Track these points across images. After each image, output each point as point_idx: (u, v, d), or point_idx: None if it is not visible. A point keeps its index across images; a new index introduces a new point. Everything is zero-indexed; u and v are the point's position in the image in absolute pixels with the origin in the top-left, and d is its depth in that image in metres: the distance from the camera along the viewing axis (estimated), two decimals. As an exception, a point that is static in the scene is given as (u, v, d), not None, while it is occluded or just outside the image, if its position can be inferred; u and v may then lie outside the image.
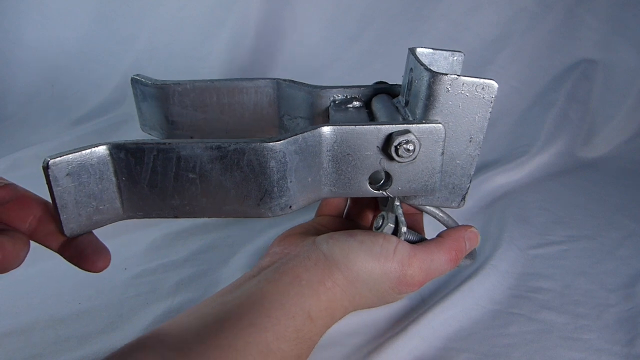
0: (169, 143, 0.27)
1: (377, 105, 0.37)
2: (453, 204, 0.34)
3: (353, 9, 0.88)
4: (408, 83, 0.34)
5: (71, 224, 0.27)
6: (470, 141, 0.31)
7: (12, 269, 0.25)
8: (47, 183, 0.26)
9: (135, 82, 0.39)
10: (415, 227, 0.40)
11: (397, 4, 0.88)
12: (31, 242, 0.28)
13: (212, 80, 0.37)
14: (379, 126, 0.29)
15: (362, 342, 0.38)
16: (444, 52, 0.36)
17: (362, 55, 0.88)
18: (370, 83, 0.40)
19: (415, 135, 0.29)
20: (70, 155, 0.26)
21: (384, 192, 0.31)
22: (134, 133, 0.84)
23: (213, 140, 0.27)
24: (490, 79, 0.29)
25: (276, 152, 0.27)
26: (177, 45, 0.89)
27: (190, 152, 0.27)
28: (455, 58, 0.36)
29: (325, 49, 0.89)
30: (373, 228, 0.34)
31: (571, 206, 0.62)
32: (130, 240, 0.53)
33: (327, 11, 0.88)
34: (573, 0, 0.86)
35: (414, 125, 0.29)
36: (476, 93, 0.29)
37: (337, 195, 0.31)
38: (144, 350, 0.27)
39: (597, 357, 0.38)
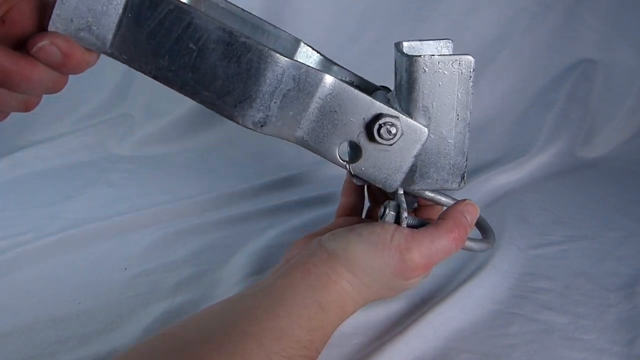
0: (189, 6, 0.27)
1: (375, 98, 0.38)
2: (453, 185, 0.34)
3: (353, 8, 0.88)
4: (394, 77, 0.35)
5: (58, 23, 0.27)
6: (457, 119, 0.31)
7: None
8: None
9: None
10: (432, 217, 0.40)
11: (397, 4, 0.88)
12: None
13: (243, 10, 0.37)
14: (373, 101, 0.30)
15: (363, 342, 0.38)
16: (431, 42, 0.36)
17: (362, 55, 0.88)
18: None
19: (401, 124, 0.30)
20: None
21: (347, 165, 0.32)
22: (134, 133, 0.84)
23: (229, 26, 0.27)
24: (466, 54, 0.30)
25: (278, 65, 0.27)
26: (177, 45, 0.89)
27: (202, 24, 0.27)
28: (443, 45, 0.36)
29: (326, 49, 0.89)
30: (378, 218, 0.35)
31: (571, 206, 0.62)
32: (130, 240, 0.53)
33: (327, 11, 0.88)
34: (573, 0, 0.86)
35: (403, 117, 0.30)
36: (453, 69, 0.30)
37: (305, 146, 0.31)
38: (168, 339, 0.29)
39: (597, 357, 0.38)
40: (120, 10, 0.27)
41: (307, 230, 0.42)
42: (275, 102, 0.29)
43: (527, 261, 0.50)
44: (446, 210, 0.36)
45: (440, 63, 0.30)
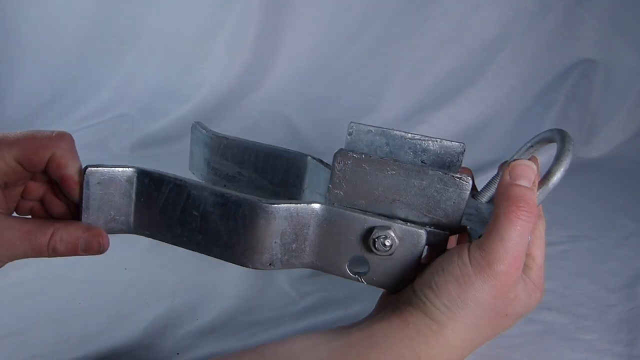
0: (184, 181, 0.31)
1: None
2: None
3: (353, 9, 0.88)
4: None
5: (89, 222, 0.32)
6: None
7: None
8: (79, 186, 0.30)
9: (194, 128, 0.45)
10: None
11: (397, 4, 0.88)
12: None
13: (254, 142, 0.42)
14: (366, 216, 0.31)
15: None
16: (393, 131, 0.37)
17: (362, 55, 0.88)
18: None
19: (394, 232, 0.30)
20: (105, 168, 0.30)
21: (360, 279, 0.32)
22: (134, 133, 0.84)
23: (220, 188, 0.31)
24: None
25: (268, 213, 0.30)
26: (177, 45, 0.89)
27: (199, 193, 0.30)
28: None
29: (325, 49, 0.89)
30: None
31: (571, 206, 0.62)
32: (131, 241, 0.53)
33: (327, 11, 0.88)
34: (573, 0, 0.86)
35: (396, 224, 0.31)
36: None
37: (317, 268, 0.33)
38: None
39: (598, 357, 0.38)
40: (134, 196, 0.32)
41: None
42: (276, 242, 0.31)
43: (527, 261, 0.50)
44: (496, 191, 0.31)
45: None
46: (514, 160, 0.31)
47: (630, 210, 0.61)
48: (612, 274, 0.49)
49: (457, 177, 0.30)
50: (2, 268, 0.47)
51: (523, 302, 0.31)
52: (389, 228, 0.31)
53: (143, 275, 0.47)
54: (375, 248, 0.31)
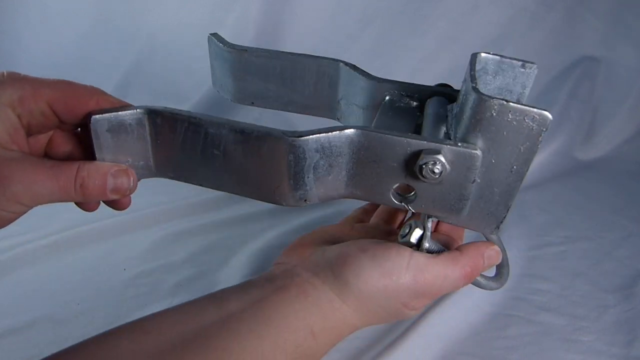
0: (199, 118, 0.28)
1: (428, 110, 0.34)
2: (486, 230, 0.32)
3: (353, 8, 0.88)
4: (462, 94, 0.31)
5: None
6: (511, 171, 0.28)
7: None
8: (88, 136, 0.28)
9: (210, 40, 0.41)
10: (454, 234, 0.38)
11: (397, 4, 0.87)
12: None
13: (277, 52, 0.38)
14: (409, 139, 0.27)
15: (361, 346, 0.38)
16: (514, 62, 0.32)
17: (362, 55, 0.88)
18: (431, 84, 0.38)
19: (445, 157, 0.27)
20: (112, 113, 0.27)
21: (407, 206, 0.30)
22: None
23: (238, 123, 0.28)
24: (544, 109, 0.26)
25: (295, 147, 0.27)
26: (177, 45, 0.89)
27: (217, 131, 0.28)
28: (527, 70, 0.32)
29: (326, 48, 0.89)
30: (399, 235, 0.33)
31: (570, 207, 0.62)
32: (130, 241, 0.53)
33: (327, 11, 0.88)
34: (574, -1, 0.86)
35: (447, 146, 0.27)
36: (525, 122, 0.26)
37: (358, 197, 0.30)
38: (134, 341, 0.27)
39: (596, 359, 0.38)
40: (149, 138, 0.29)
41: (308, 231, 0.40)
42: (309, 177, 0.28)
43: (525, 262, 0.50)
44: (468, 246, 0.34)
45: (512, 112, 0.26)
46: (493, 246, 0.34)
47: (629, 211, 0.61)
48: (610, 274, 0.49)
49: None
50: (2, 268, 0.47)
51: (408, 317, 0.34)
52: (438, 152, 0.27)
53: (142, 277, 0.47)
54: (423, 175, 0.27)
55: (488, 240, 0.36)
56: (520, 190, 0.65)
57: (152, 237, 0.54)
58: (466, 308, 0.42)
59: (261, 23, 0.87)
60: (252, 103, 0.40)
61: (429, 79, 0.89)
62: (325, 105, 0.39)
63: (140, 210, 0.59)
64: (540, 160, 0.74)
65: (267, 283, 0.32)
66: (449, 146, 0.27)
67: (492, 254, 0.34)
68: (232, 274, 0.48)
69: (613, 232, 0.56)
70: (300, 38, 0.89)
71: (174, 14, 0.89)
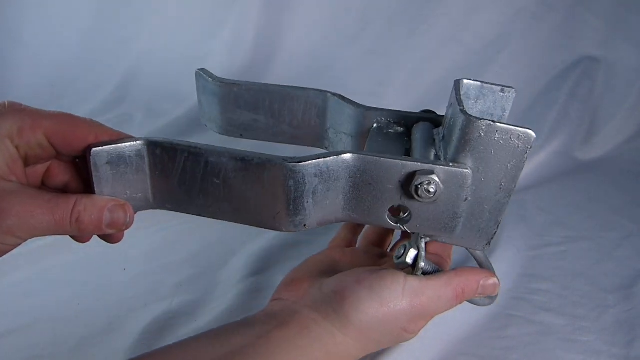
0: (199, 148, 0.28)
1: (416, 135, 0.36)
2: (477, 247, 0.33)
3: (353, 9, 0.88)
4: (448, 118, 0.33)
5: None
6: (500, 188, 0.30)
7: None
8: (87, 169, 0.28)
9: (198, 76, 0.41)
10: (442, 253, 0.38)
11: (397, 4, 0.87)
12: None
13: (266, 85, 0.39)
14: (404, 162, 0.29)
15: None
16: (494, 87, 0.34)
17: (362, 55, 0.88)
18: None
19: (438, 177, 0.28)
20: (111, 145, 0.28)
21: (402, 227, 0.31)
22: (134, 133, 0.84)
23: (239, 151, 0.28)
24: (528, 128, 0.27)
25: (296, 173, 0.28)
26: (177, 45, 0.89)
27: (217, 160, 0.28)
28: (506, 94, 0.34)
29: (325, 49, 0.89)
30: (394, 257, 0.33)
31: (570, 207, 0.62)
32: (130, 241, 0.53)
33: (327, 11, 0.88)
34: (574, -1, 0.86)
35: (439, 167, 0.28)
36: (511, 141, 0.28)
37: (355, 220, 0.31)
38: None
39: (596, 359, 0.38)
40: (148, 170, 0.29)
41: (308, 231, 0.40)
42: (308, 202, 0.29)
43: (525, 262, 0.50)
44: (466, 270, 0.34)
45: (499, 132, 0.28)
46: (492, 278, 0.34)
47: (629, 211, 0.61)
48: (610, 275, 0.49)
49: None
50: (2, 268, 0.47)
51: (410, 338, 0.34)
52: (432, 172, 0.28)
53: (142, 277, 0.47)
54: (418, 195, 0.29)
55: (474, 256, 0.37)
56: (520, 190, 0.65)
57: (152, 238, 0.54)
58: (466, 308, 0.42)
59: (261, 23, 0.87)
60: (241, 135, 0.41)
61: (429, 79, 0.90)
62: (313, 135, 0.40)
63: (140, 210, 0.59)
64: (540, 160, 0.74)
65: (268, 319, 0.32)
66: (441, 166, 0.28)
67: (489, 284, 0.34)
68: (232, 274, 0.48)
69: (613, 232, 0.56)
70: (300, 38, 0.89)
71: (174, 14, 0.89)
